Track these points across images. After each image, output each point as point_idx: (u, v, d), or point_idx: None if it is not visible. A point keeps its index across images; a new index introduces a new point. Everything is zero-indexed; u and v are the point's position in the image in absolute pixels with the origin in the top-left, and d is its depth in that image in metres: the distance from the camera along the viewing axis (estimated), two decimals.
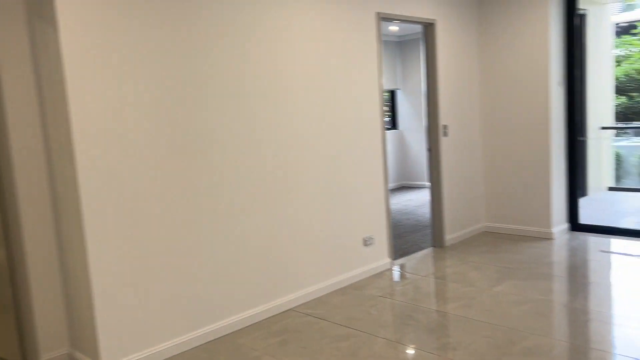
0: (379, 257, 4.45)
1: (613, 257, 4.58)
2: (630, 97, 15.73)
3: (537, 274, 4.17)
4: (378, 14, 4.31)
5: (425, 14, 4.75)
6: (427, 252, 5.01)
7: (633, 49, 16.23)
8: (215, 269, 3.34)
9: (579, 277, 4.12)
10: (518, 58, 5.10)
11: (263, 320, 3.59)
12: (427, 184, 8.70)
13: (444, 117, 5.00)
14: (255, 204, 3.54)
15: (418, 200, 7.55)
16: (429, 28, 4.87)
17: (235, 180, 3.41)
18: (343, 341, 3.20)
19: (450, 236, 5.15)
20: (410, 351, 3.03)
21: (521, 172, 5.24)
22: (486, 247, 5.02)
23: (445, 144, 5.03)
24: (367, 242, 4.31)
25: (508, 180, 5.35)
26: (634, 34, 16.64)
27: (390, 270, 4.50)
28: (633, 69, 15.85)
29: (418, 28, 7.80)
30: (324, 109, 3.95)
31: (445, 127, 5.01)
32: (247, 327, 3.50)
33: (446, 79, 5.00)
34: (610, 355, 2.85)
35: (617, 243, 4.92)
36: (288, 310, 3.75)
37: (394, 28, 8.03)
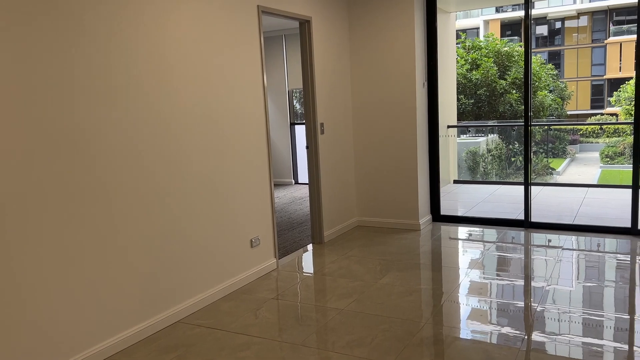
0: (266, 258, 4.33)
1: (470, 246, 5.05)
2: (458, 99, 17.63)
3: (413, 264, 4.41)
4: (259, 6, 4.17)
5: (302, 10, 4.72)
6: (308, 249, 5.02)
7: (457, 56, 18.17)
8: (91, 284, 2.94)
9: (447, 266, 4.44)
10: (387, 59, 5.34)
11: (149, 336, 3.25)
12: (293, 181, 8.77)
13: (321, 115, 5.04)
14: (134, 209, 3.18)
15: (286, 198, 7.55)
16: (305, 25, 4.85)
17: (111, 183, 3.03)
18: (245, 350, 3.03)
19: (328, 232, 5.21)
20: (318, 353, 2.97)
21: (390, 167, 5.51)
22: (362, 240, 5.18)
23: (322, 141, 5.07)
24: (254, 244, 4.16)
25: (378, 176, 5.59)
26: (458, 42, 18.61)
27: (277, 270, 4.40)
28: (459, 74, 17.76)
29: (281, 25, 7.77)
30: (206, 105, 3.70)
31: (322, 124, 5.04)
32: (132, 345, 3.13)
33: (322, 77, 5.04)
34: (496, 335, 3.10)
35: (470, 231, 5.42)
36: (175, 323, 3.45)
37: None
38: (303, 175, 8.62)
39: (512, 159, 14.59)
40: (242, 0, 4.00)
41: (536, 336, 3.05)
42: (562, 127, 16.80)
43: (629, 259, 4.33)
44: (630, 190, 4.96)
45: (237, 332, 3.27)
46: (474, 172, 13.44)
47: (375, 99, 5.47)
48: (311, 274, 4.38)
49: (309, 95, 4.94)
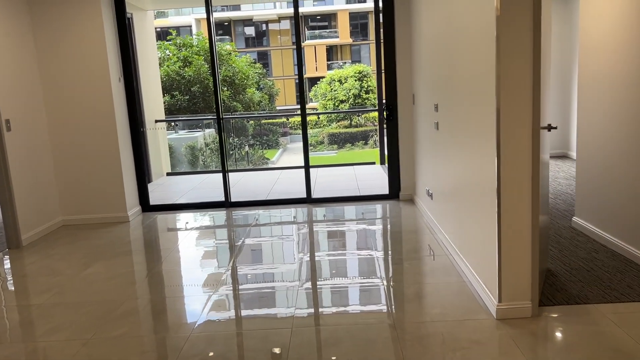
0: None
1: (176, 229, 5.48)
2: (173, 96, 17.98)
3: (120, 252, 4.59)
4: None
5: None
6: (4, 255, 4.69)
7: (169, 53, 18.53)
8: None
9: (153, 249, 4.77)
10: (77, 53, 5.30)
11: None
12: None
13: (5, 111, 4.74)
14: None
15: None
16: None
17: None
18: None
19: (26, 235, 4.95)
20: (12, 347, 2.95)
21: (93, 163, 5.51)
22: (68, 239, 5.09)
23: (10, 139, 4.78)
24: None
25: (81, 173, 5.52)
26: (169, 39, 18.95)
27: None
28: (172, 71, 18.12)
29: None
30: None
31: (7, 121, 4.75)
32: None
33: (1, 70, 4.73)
34: (186, 298, 3.57)
35: (178, 216, 5.85)
36: None
37: None
38: None
39: (231, 152, 15.68)
40: None
41: (224, 290, 3.62)
42: (254, 119, 18.62)
43: (306, 221, 5.36)
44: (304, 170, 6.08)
45: None
46: (195, 165, 14.02)
47: (70, 93, 5.38)
48: (6, 278, 4.16)
49: None
